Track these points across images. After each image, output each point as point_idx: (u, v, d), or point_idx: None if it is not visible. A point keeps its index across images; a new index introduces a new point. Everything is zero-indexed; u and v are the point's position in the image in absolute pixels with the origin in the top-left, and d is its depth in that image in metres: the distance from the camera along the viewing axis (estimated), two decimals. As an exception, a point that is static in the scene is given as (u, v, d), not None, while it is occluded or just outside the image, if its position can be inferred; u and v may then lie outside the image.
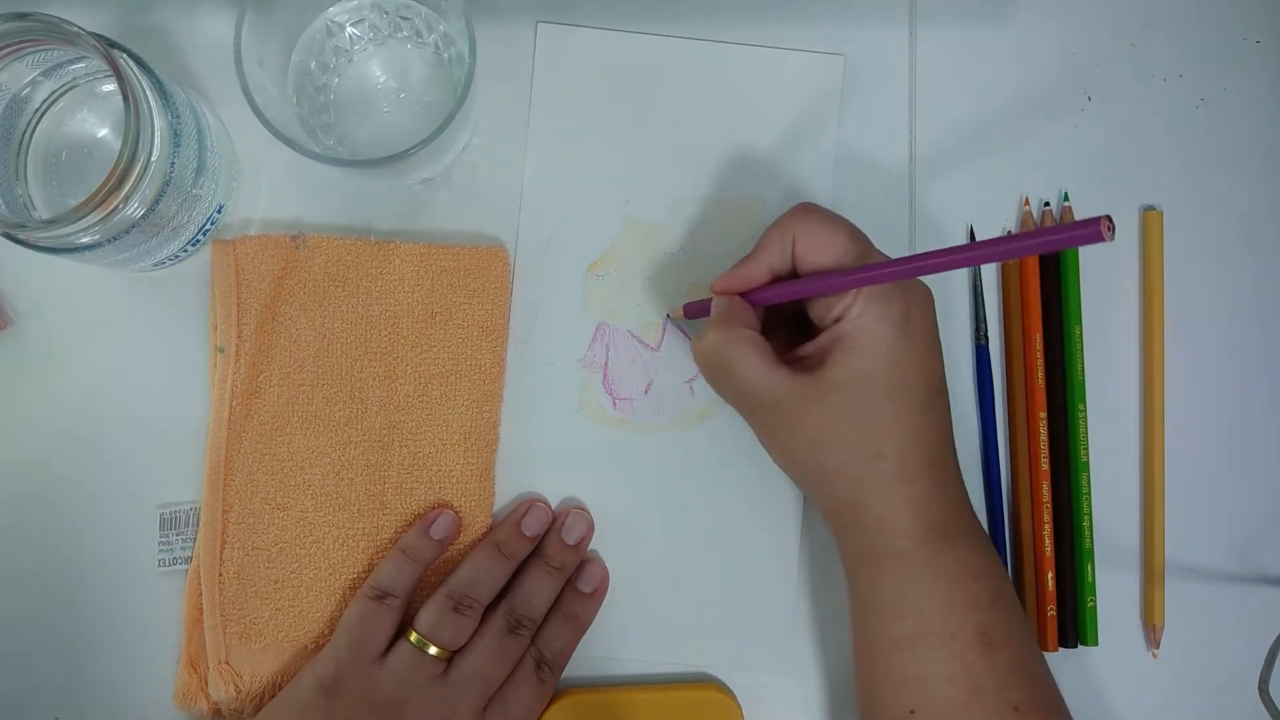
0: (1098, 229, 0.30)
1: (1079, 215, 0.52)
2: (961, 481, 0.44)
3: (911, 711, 0.42)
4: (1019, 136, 0.53)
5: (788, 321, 0.47)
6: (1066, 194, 0.52)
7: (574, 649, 0.49)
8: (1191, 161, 0.53)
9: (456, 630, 0.46)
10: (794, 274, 0.44)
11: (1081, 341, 0.51)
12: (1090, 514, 0.51)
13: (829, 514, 0.45)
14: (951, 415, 0.44)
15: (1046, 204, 0.52)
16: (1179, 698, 0.51)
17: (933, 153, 0.52)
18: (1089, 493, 0.51)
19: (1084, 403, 0.51)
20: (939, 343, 0.44)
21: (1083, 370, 0.51)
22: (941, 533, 0.42)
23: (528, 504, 0.50)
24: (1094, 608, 0.50)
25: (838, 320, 0.42)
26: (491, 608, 0.47)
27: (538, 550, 0.49)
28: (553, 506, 0.50)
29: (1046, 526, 0.50)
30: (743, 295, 0.45)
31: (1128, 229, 0.52)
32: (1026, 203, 0.52)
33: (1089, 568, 0.50)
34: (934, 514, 0.42)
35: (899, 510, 0.42)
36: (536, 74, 0.52)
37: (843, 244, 0.43)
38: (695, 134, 0.52)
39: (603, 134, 0.52)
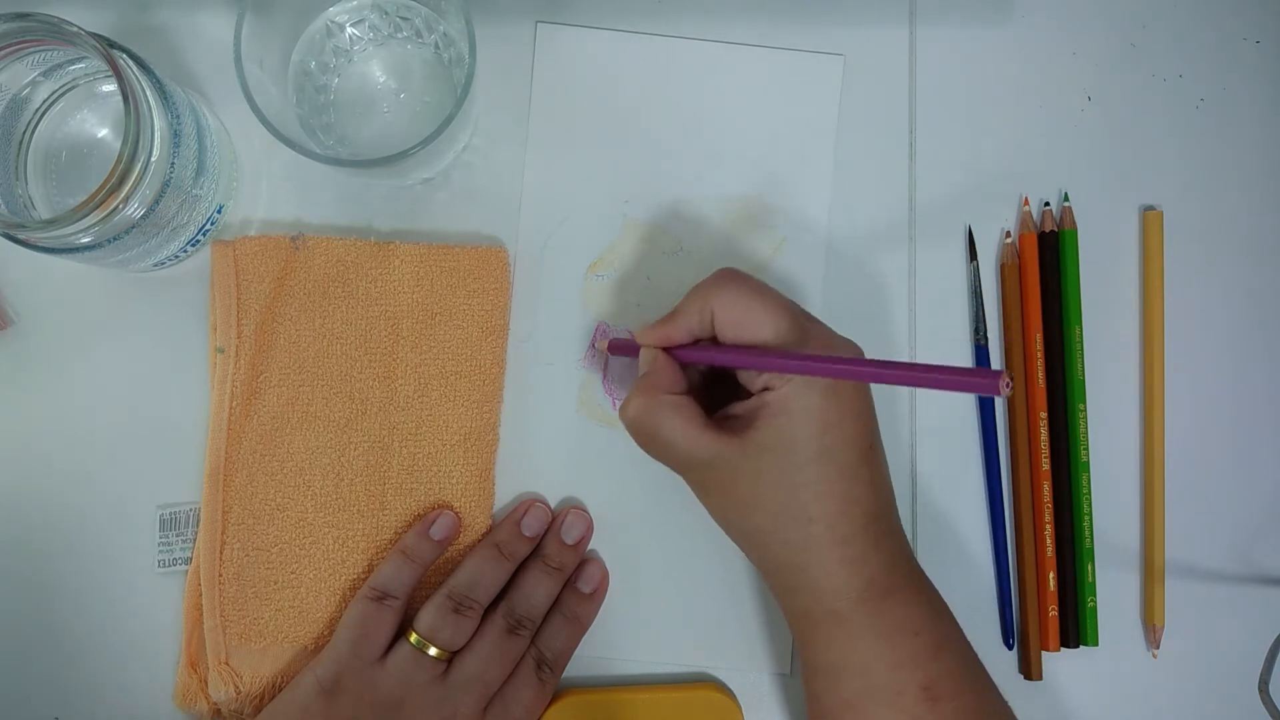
0: (996, 382, 0.31)
1: (1079, 215, 0.52)
2: (900, 535, 0.44)
3: None
4: (1019, 136, 0.53)
5: (728, 373, 0.46)
6: (1066, 194, 0.52)
7: (574, 649, 0.49)
8: (1191, 161, 0.53)
9: (456, 631, 0.46)
10: (715, 339, 0.44)
11: (1081, 341, 0.51)
12: (1090, 514, 0.51)
13: (767, 576, 0.45)
14: (888, 469, 0.44)
15: (1046, 204, 0.52)
16: (1179, 698, 0.51)
17: (933, 153, 0.52)
18: (1089, 493, 0.51)
19: (1084, 403, 0.51)
20: (870, 401, 0.43)
21: (1083, 370, 0.51)
22: (878, 590, 0.42)
23: (527, 504, 0.50)
24: (1094, 608, 0.50)
25: (765, 387, 0.42)
26: (491, 608, 0.47)
27: (537, 550, 0.49)
28: (552, 506, 0.50)
29: (1047, 526, 0.50)
30: (670, 350, 0.45)
31: (1128, 229, 0.52)
32: (1026, 202, 0.52)
33: (1089, 568, 0.50)
34: (869, 572, 0.42)
35: (833, 572, 0.42)
36: (536, 74, 0.52)
37: (761, 321, 0.42)
38: (695, 134, 0.52)
39: (602, 134, 0.52)
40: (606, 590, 0.50)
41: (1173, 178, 0.53)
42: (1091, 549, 0.51)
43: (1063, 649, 0.50)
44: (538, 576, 0.48)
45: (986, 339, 0.52)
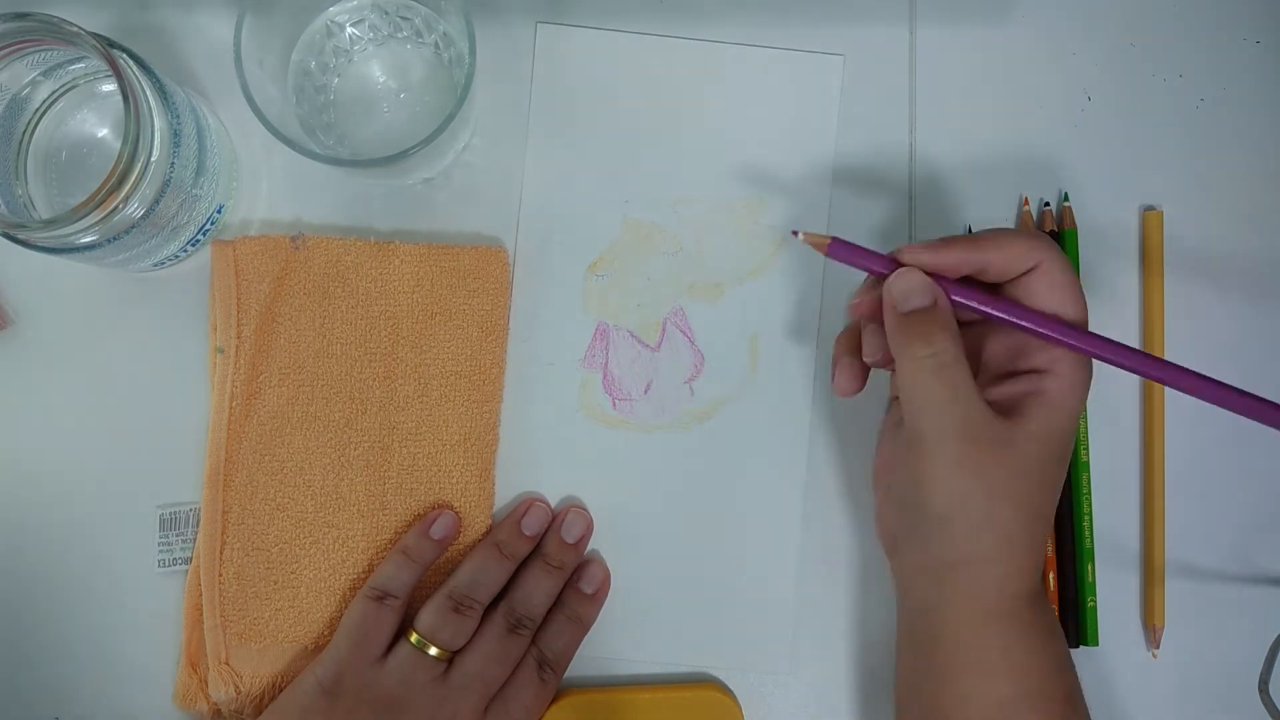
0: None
1: (1079, 215, 0.52)
2: None
3: None
4: (1019, 136, 0.52)
5: None
6: (1066, 194, 0.52)
7: (576, 649, 0.49)
8: (1191, 161, 0.53)
9: (457, 630, 0.46)
10: (983, 289, 0.41)
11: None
12: (1090, 514, 0.50)
13: (931, 568, 0.42)
14: None
15: (1046, 204, 0.52)
16: (1179, 698, 0.51)
17: (933, 153, 0.52)
18: (1089, 493, 0.51)
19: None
20: None
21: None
22: (1040, 593, 0.42)
23: (527, 503, 0.50)
24: (1094, 608, 0.50)
25: (1037, 371, 0.40)
26: (492, 608, 0.47)
27: (537, 550, 0.49)
28: (553, 506, 0.50)
29: (1047, 526, 0.50)
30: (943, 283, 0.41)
31: (1128, 229, 0.52)
32: (1026, 202, 0.52)
33: (1089, 568, 0.50)
34: (1037, 579, 0.42)
35: (1023, 569, 0.41)
36: (536, 75, 0.52)
37: (1078, 298, 0.40)
38: (695, 134, 0.52)
39: (602, 134, 0.52)
40: (608, 591, 0.50)
41: (1173, 178, 0.53)
42: (1092, 549, 0.50)
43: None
44: (538, 576, 0.48)
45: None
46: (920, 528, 0.42)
